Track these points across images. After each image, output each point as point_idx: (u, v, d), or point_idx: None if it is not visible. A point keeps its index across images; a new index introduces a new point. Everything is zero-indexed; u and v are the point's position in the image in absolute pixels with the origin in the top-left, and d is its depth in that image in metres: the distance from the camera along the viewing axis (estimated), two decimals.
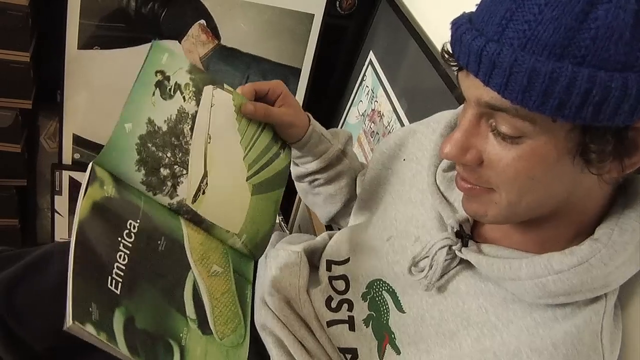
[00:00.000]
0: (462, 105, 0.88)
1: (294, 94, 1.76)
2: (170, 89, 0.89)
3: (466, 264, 0.78)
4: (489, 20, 0.58)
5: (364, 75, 1.73)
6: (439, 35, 1.39)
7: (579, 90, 0.54)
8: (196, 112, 0.90)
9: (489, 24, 0.58)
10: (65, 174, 1.74)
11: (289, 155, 1.01)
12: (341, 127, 1.83)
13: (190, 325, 0.80)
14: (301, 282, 0.94)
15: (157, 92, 0.88)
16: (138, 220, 0.81)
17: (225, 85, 0.93)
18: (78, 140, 1.68)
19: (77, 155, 1.71)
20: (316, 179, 1.07)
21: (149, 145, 0.87)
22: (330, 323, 0.90)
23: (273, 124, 0.96)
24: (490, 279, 0.75)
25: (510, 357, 0.70)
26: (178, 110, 0.89)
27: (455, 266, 0.79)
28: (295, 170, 1.09)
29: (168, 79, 0.89)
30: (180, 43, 1.61)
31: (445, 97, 1.25)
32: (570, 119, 0.56)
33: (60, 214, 1.81)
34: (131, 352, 0.69)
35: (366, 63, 1.72)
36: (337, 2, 1.72)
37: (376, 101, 1.61)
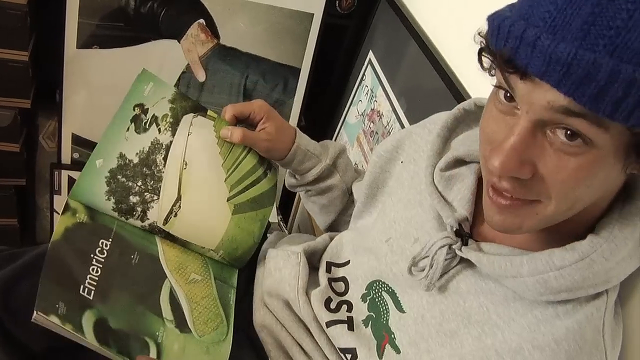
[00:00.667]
0: (459, 106, 0.88)
1: (294, 93, 1.76)
2: (146, 123, 0.96)
3: (466, 263, 0.78)
4: (566, 23, 0.53)
5: (364, 74, 1.72)
6: (439, 35, 1.39)
7: None
8: (171, 142, 0.97)
9: (567, 28, 0.53)
10: (65, 174, 1.73)
11: (276, 176, 1.06)
12: (341, 127, 1.83)
13: (167, 324, 0.87)
14: (300, 283, 0.94)
15: (132, 126, 0.96)
16: (110, 239, 0.91)
17: (209, 112, 1.00)
18: (77, 140, 1.68)
19: (76, 155, 1.71)
20: (308, 190, 1.09)
21: (119, 177, 0.95)
22: (329, 323, 0.90)
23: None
24: (491, 277, 0.75)
25: (512, 355, 0.70)
26: (152, 142, 0.96)
27: (456, 265, 0.79)
28: (288, 181, 1.12)
29: (146, 112, 0.96)
30: (179, 42, 1.60)
31: (445, 96, 1.25)
32: None
33: (59, 214, 1.81)
34: (100, 343, 0.77)
35: (365, 63, 1.72)
36: (337, 2, 1.72)
37: (375, 101, 1.60)
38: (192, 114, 0.99)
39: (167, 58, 1.62)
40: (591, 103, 0.53)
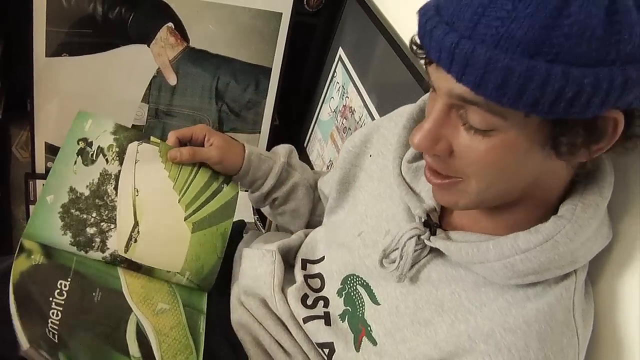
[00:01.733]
0: (423, 97, 0.90)
1: (265, 93, 1.77)
2: (92, 154, 0.96)
3: (436, 252, 0.79)
4: (460, 15, 0.58)
5: (334, 71, 1.74)
6: (407, 30, 1.41)
7: (552, 88, 0.54)
8: (119, 171, 0.97)
9: (460, 19, 0.58)
10: (39, 183, 1.72)
11: (235, 188, 1.06)
12: (314, 124, 1.84)
13: None
14: (276, 281, 0.95)
15: (79, 159, 0.96)
16: (69, 279, 0.88)
17: (152, 138, 1.00)
18: (51, 149, 1.67)
19: (50, 164, 1.70)
20: (275, 199, 1.10)
21: (72, 211, 0.94)
22: (307, 319, 0.91)
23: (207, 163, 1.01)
24: (461, 264, 0.77)
25: (484, 339, 0.71)
26: (100, 173, 0.96)
27: (426, 255, 0.81)
28: (252, 198, 1.12)
29: (90, 145, 0.97)
30: (149, 47, 1.60)
31: (414, 90, 1.27)
32: (543, 114, 0.57)
33: None
34: None
35: (336, 59, 1.73)
36: (305, 0, 1.73)
37: (347, 97, 1.62)
38: (136, 142, 1.00)
39: (138, 63, 1.62)
40: (476, 89, 0.57)
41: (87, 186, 0.95)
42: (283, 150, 1.09)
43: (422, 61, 0.67)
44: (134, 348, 0.86)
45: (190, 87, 1.70)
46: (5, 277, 0.90)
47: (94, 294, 0.89)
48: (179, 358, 0.89)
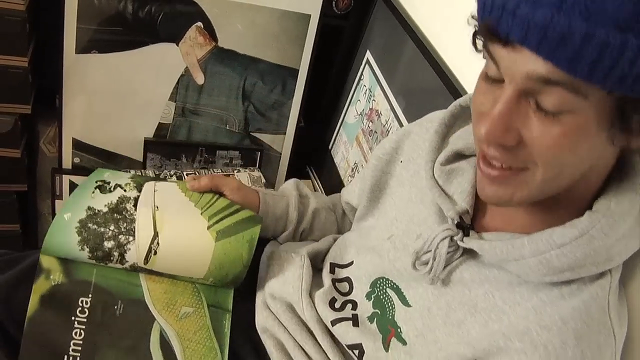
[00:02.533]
0: (455, 103, 0.89)
1: (292, 94, 1.77)
2: (109, 188, 0.96)
3: (469, 253, 0.79)
4: None
5: (362, 74, 1.73)
6: (435, 33, 1.40)
7: None
8: (138, 195, 0.97)
9: None
10: (66, 179, 1.74)
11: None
12: (340, 127, 1.83)
13: None
14: (304, 285, 0.95)
15: (97, 190, 0.96)
16: (90, 295, 0.88)
17: (169, 179, 0.99)
18: (78, 145, 1.68)
19: (77, 160, 1.71)
20: (302, 231, 1.10)
21: (89, 225, 0.93)
22: (335, 322, 0.91)
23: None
24: (494, 264, 0.76)
25: (520, 336, 0.71)
26: (119, 197, 0.96)
27: (459, 257, 0.80)
28: (282, 240, 1.11)
29: (108, 183, 0.97)
30: (177, 45, 1.61)
31: (442, 94, 1.26)
32: (627, 91, 0.56)
33: None
34: None
35: (363, 62, 1.73)
36: (333, 2, 1.73)
37: (374, 100, 1.61)
38: (153, 182, 1.00)
39: (166, 61, 1.63)
40: (569, 66, 0.55)
41: (105, 205, 0.95)
42: (289, 186, 1.11)
43: (486, 51, 0.63)
44: (158, 358, 0.86)
45: (218, 87, 1.70)
46: (34, 269, 0.91)
47: (116, 307, 0.89)
48: None
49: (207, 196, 1.00)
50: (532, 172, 0.66)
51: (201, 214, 0.97)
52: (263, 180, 1.76)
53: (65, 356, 0.79)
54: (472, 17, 0.67)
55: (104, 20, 1.53)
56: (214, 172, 1.76)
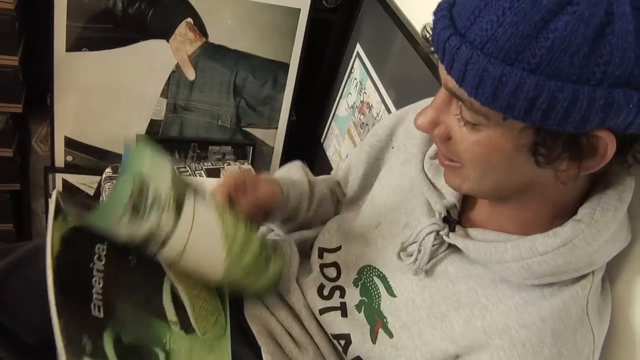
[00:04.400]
0: None
1: (283, 89, 1.78)
2: (145, 208, 0.79)
3: (454, 248, 0.80)
4: (462, 13, 0.60)
5: (352, 67, 1.74)
6: (425, 25, 1.40)
7: (526, 96, 0.56)
8: (172, 230, 0.82)
9: (461, 17, 0.60)
10: (59, 177, 1.74)
11: (279, 268, 0.91)
12: (331, 120, 1.84)
13: (172, 328, 0.83)
14: (291, 271, 0.96)
15: (129, 214, 0.78)
16: (105, 242, 0.82)
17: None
18: (70, 143, 1.69)
19: (69, 158, 1.72)
20: (307, 223, 1.07)
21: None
22: (323, 311, 0.92)
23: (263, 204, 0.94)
24: (478, 261, 0.77)
25: (500, 334, 0.72)
26: (150, 230, 0.81)
27: (444, 251, 0.81)
28: (289, 228, 1.07)
29: (146, 196, 0.79)
30: (168, 42, 1.61)
31: (432, 86, 1.26)
32: (520, 119, 0.58)
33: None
34: None
35: (354, 55, 1.73)
36: None
37: (365, 93, 1.62)
38: (193, 201, 0.84)
39: (157, 58, 1.63)
40: (460, 84, 0.60)
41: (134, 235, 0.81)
42: (296, 171, 1.08)
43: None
44: (170, 313, 0.84)
45: (209, 82, 1.71)
46: (26, 260, 0.90)
47: (130, 257, 0.85)
48: (209, 320, 0.87)
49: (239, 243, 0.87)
50: (465, 169, 0.70)
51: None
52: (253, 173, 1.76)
53: (92, 304, 0.75)
54: None
55: (93, 17, 1.53)
56: (205, 166, 1.76)
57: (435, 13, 0.64)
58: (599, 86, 0.55)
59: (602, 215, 0.69)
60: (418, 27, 1.43)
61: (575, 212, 0.71)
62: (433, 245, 0.80)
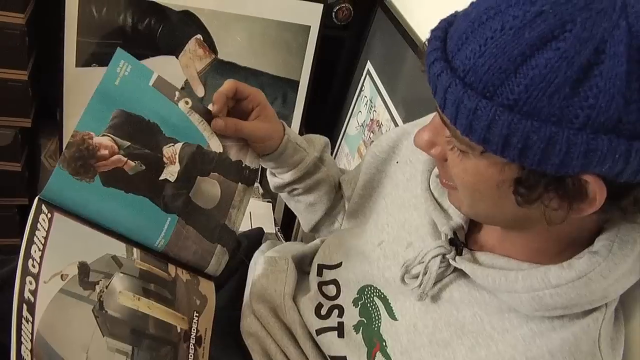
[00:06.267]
0: None
1: (293, 107, 1.77)
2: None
3: (460, 272, 0.76)
4: (454, 36, 0.59)
5: (362, 85, 1.73)
6: None
7: (500, 132, 0.54)
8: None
9: (452, 40, 0.59)
10: None
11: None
12: (342, 139, 1.83)
13: None
14: (287, 289, 0.94)
15: None
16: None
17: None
18: None
19: None
20: (294, 189, 1.03)
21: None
22: (320, 331, 0.89)
23: (246, 139, 0.92)
24: (485, 287, 0.74)
25: None
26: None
27: (449, 274, 0.77)
28: (272, 181, 1.05)
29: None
30: (177, 58, 1.61)
31: None
32: (498, 154, 0.56)
33: None
34: None
35: (364, 73, 1.72)
36: (333, 13, 1.73)
37: (375, 111, 1.60)
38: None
39: (166, 74, 1.62)
40: (441, 110, 0.59)
41: None
42: (319, 143, 1.02)
43: None
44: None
45: None
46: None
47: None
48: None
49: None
50: (460, 192, 0.68)
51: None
52: (261, 190, 1.75)
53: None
54: None
55: (104, 33, 1.53)
56: None
57: (431, 31, 0.63)
58: (581, 131, 0.51)
59: (620, 248, 0.65)
60: None
61: (590, 241, 0.67)
62: (439, 269, 0.77)
